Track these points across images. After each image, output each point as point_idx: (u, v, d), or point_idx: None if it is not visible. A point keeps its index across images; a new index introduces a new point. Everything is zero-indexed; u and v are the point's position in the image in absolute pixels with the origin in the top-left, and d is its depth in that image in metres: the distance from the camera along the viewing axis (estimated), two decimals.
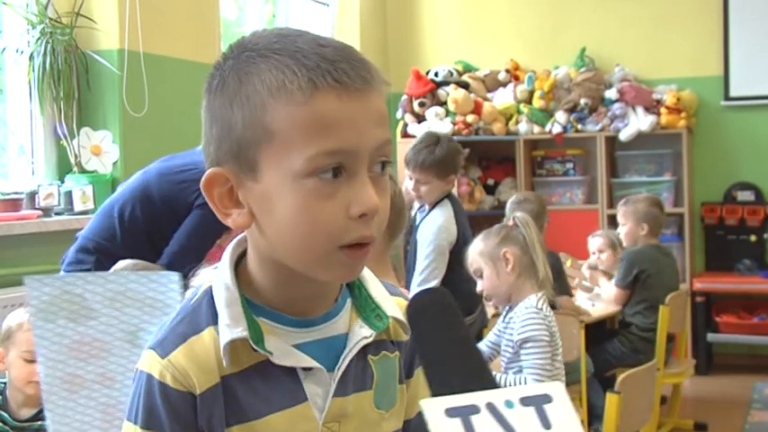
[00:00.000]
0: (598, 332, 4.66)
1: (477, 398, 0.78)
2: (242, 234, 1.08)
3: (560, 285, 4.16)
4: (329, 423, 1.04)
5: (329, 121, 0.94)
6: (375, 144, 0.97)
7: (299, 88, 0.94)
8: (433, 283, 3.75)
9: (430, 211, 3.90)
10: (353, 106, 0.95)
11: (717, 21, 6.14)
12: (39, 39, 3.97)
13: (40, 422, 2.47)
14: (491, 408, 0.77)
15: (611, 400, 2.71)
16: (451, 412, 0.76)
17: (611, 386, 2.91)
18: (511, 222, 2.99)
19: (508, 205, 4.56)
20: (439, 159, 3.79)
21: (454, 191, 5.54)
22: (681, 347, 4.84)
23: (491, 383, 0.82)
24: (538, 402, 0.79)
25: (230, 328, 1.00)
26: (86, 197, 4.00)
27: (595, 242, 5.02)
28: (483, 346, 3.07)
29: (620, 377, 2.84)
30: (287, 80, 0.94)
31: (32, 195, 3.92)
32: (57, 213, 3.97)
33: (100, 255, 3.12)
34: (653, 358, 4.61)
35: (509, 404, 0.78)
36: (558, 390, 0.80)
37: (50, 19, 4.02)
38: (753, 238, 6.03)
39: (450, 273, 3.87)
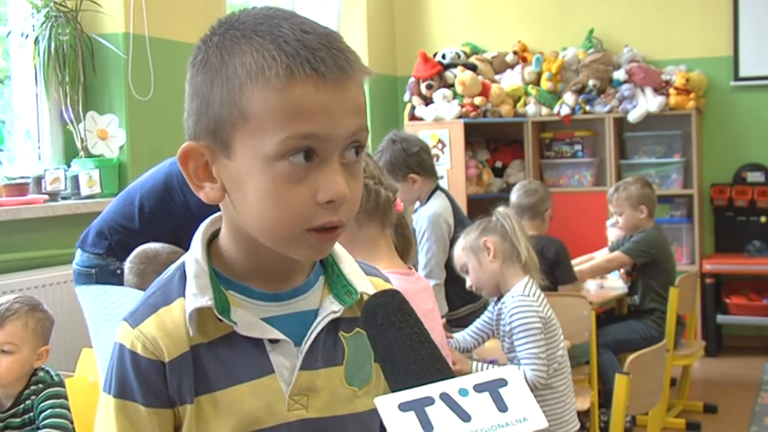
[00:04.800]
0: (607, 317, 4.64)
1: (431, 390, 0.79)
2: (216, 214, 1.10)
3: (565, 272, 4.14)
4: (296, 396, 1.05)
5: (304, 109, 0.96)
6: (349, 131, 0.99)
7: (277, 75, 0.96)
8: (437, 279, 3.64)
9: (423, 204, 3.77)
10: (329, 95, 0.97)
11: (726, 1, 6.09)
12: (44, 23, 3.97)
13: (26, 414, 2.51)
14: (445, 397, 0.79)
15: (620, 382, 2.69)
16: (405, 406, 0.77)
17: None
18: (493, 218, 2.99)
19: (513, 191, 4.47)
20: (386, 165, 3.58)
21: (444, 184, 5.47)
22: (690, 329, 4.82)
23: (448, 374, 0.84)
24: (493, 387, 0.81)
25: (196, 297, 1.03)
26: (93, 181, 3.99)
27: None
28: (465, 334, 3.06)
29: (630, 358, 2.82)
30: (266, 65, 0.96)
31: (39, 180, 3.92)
32: (63, 198, 3.97)
33: (114, 240, 3.07)
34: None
35: (463, 392, 0.80)
36: (513, 373, 0.82)
37: (55, 3, 4.00)
38: (762, 219, 6.00)
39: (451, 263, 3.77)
